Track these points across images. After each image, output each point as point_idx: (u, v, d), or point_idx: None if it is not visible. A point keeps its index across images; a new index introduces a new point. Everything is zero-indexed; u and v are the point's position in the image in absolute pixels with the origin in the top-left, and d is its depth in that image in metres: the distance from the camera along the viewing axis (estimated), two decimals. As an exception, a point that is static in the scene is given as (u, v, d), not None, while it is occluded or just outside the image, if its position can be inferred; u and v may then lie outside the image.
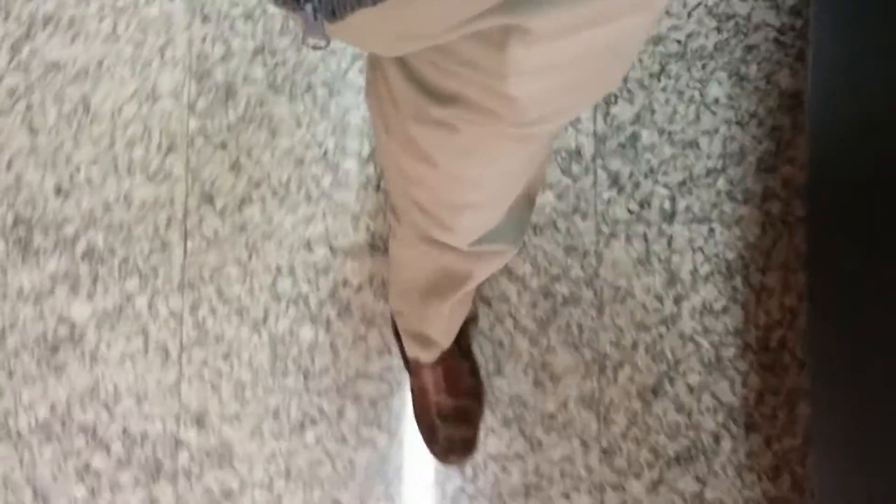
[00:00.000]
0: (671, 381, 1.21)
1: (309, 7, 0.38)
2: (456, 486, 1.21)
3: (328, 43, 0.42)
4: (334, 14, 0.38)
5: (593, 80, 0.51)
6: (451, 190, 0.67)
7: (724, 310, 1.21)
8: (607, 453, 1.20)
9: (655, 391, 1.21)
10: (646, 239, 1.22)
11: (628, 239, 1.23)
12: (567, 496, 1.20)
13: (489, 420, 1.22)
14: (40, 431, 1.26)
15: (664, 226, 1.22)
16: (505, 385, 1.22)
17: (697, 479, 1.19)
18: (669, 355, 1.21)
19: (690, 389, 1.20)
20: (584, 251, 1.23)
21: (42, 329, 1.27)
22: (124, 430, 1.25)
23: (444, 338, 1.10)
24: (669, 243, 1.22)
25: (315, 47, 0.42)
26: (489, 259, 0.82)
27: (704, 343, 1.21)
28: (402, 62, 0.55)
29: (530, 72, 0.46)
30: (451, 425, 1.19)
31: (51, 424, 1.26)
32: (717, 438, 1.19)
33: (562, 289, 1.23)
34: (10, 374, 1.27)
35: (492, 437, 1.22)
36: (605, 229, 1.23)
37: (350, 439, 1.23)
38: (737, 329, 1.20)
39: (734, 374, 1.20)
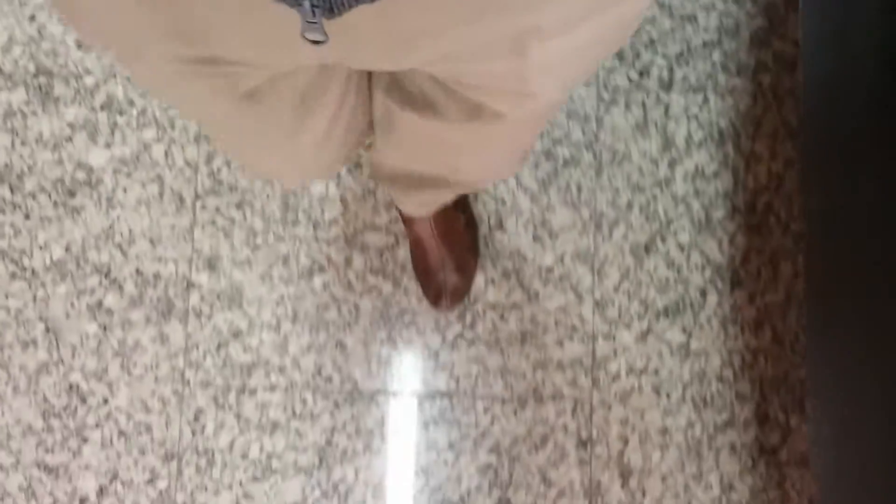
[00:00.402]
0: (663, 239, 1.28)
1: (307, 3, 0.37)
2: (455, 332, 1.27)
3: (327, 39, 0.41)
4: (332, 11, 0.38)
5: (602, 54, 0.53)
6: (463, 156, 0.73)
7: (716, 174, 1.28)
8: (600, 305, 1.27)
9: (648, 248, 1.28)
10: (644, 106, 1.29)
11: (627, 105, 1.30)
12: (560, 344, 1.26)
13: (489, 271, 1.28)
14: (55, 270, 1.30)
15: (662, 94, 1.29)
16: (505, 239, 1.28)
17: (684, 330, 1.26)
18: (662, 215, 1.28)
19: (681, 247, 1.27)
20: (586, 116, 1.29)
21: (60, 173, 1.32)
22: (137, 271, 1.30)
23: (436, 207, 1.15)
24: (666, 110, 1.29)
25: (314, 41, 0.41)
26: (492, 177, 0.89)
27: (695, 204, 1.28)
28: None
29: (550, 65, 0.47)
30: (444, 273, 1.24)
31: (65, 263, 1.30)
32: (703, 293, 1.26)
33: (563, 151, 1.29)
34: (27, 215, 1.31)
35: (491, 288, 1.28)
36: (606, 96, 1.30)
37: (356, 286, 1.28)
38: (726, 192, 1.28)
39: (722, 234, 1.27)
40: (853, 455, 0.97)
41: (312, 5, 0.37)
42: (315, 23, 0.39)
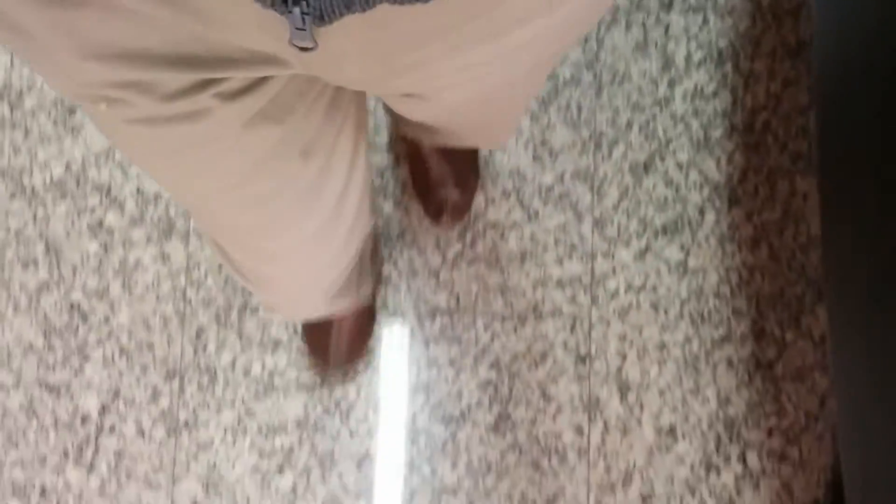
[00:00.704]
0: (662, 158, 1.28)
1: (297, 11, 0.36)
2: (456, 251, 1.28)
3: (316, 46, 0.40)
4: (323, 19, 0.37)
5: (579, 33, 0.52)
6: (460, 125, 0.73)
7: (714, 93, 1.29)
8: (599, 223, 1.28)
9: (647, 167, 1.28)
10: (644, 26, 1.30)
11: (628, 25, 1.30)
12: (560, 262, 1.27)
13: (489, 191, 1.28)
14: (55, 189, 1.30)
15: (662, 14, 1.30)
16: (505, 159, 1.29)
17: (682, 248, 1.27)
18: (661, 134, 1.29)
19: (679, 166, 1.28)
20: (586, 36, 1.30)
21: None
22: (138, 190, 1.30)
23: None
24: (666, 30, 1.30)
25: (303, 49, 0.40)
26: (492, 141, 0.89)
27: (694, 124, 1.29)
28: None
29: (532, 38, 0.46)
30: (445, 190, 1.24)
31: (65, 182, 1.30)
32: (701, 211, 1.28)
33: (563, 71, 1.30)
34: (27, 134, 1.31)
35: (491, 207, 1.28)
36: (606, 16, 1.30)
37: (356, 205, 1.29)
38: (725, 111, 1.28)
39: (720, 152, 1.28)
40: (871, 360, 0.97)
41: (302, 12, 0.36)
42: (304, 29, 0.38)
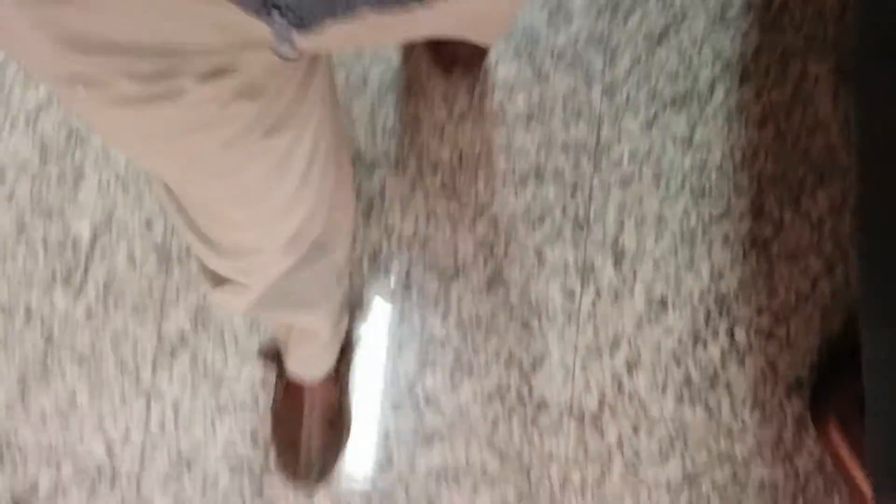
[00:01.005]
0: (677, 30, 1.28)
1: (277, 15, 0.37)
2: (462, 107, 1.27)
3: (298, 56, 0.41)
4: (303, 26, 0.38)
5: None
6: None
7: (735, -31, 1.28)
8: (608, 90, 1.27)
9: (661, 38, 1.28)
10: None
11: None
12: (566, 126, 1.27)
13: (501, 48, 1.27)
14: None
15: None
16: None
17: (689, 122, 1.27)
18: (678, 6, 1.28)
19: (693, 40, 1.28)
20: None
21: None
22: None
23: None
24: None
25: (285, 57, 0.41)
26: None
27: (712, -2, 1.28)
28: None
29: None
30: (457, 44, 1.23)
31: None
32: (711, 87, 1.27)
33: (585, -65, 1.28)
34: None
35: (501, 65, 1.27)
36: None
37: (366, 54, 1.27)
38: (744, -12, 1.28)
39: (735, 29, 1.27)
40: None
41: (283, 18, 0.37)
42: (287, 40, 0.38)
